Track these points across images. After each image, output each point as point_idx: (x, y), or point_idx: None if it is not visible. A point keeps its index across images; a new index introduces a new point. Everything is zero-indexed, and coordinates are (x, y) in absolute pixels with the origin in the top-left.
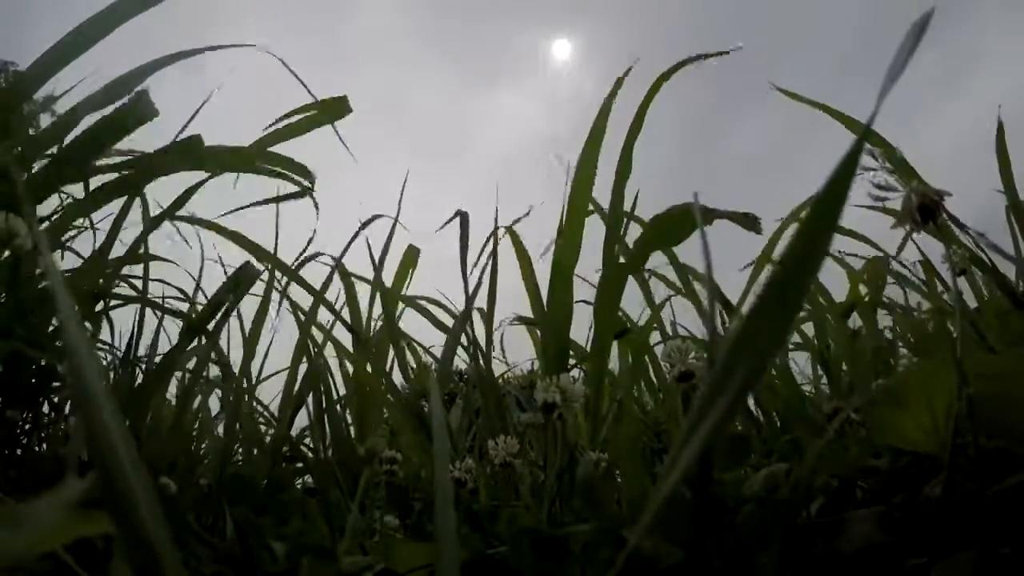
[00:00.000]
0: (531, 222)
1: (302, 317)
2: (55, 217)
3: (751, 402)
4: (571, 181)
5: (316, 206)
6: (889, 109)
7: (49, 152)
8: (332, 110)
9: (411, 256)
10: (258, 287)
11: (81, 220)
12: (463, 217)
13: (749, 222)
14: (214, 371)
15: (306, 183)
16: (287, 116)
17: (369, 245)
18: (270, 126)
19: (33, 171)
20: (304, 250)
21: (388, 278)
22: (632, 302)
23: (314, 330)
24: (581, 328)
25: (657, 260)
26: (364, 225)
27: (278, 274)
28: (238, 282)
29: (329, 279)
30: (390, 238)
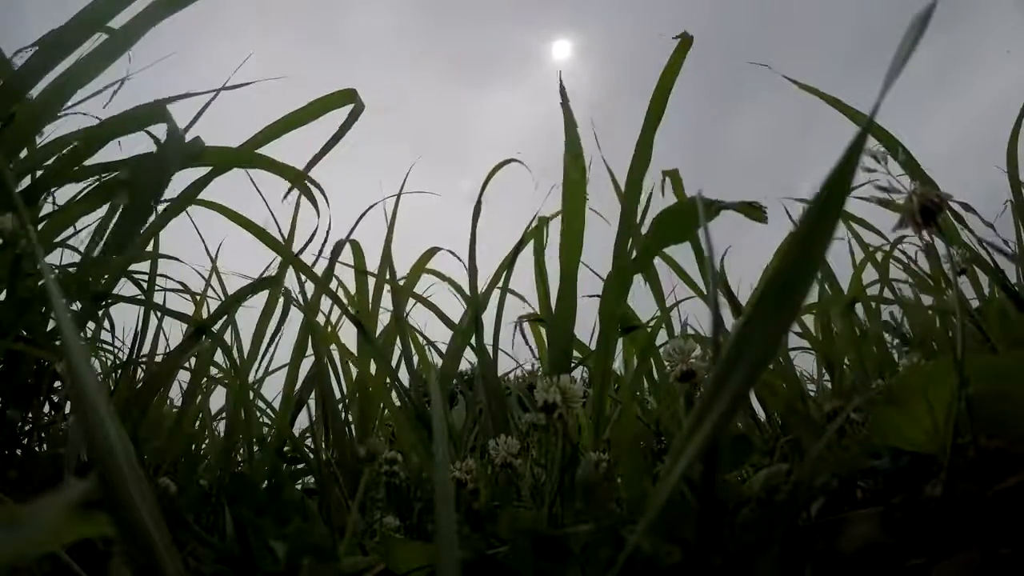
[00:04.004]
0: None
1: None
2: (51, 216)
3: (753, 402)
4: (563, 181)
5: (315, 203)
6: (889, 108)
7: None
8: (342, 100)
9: (427, 256)
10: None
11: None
12: (474, 214)
13: (754, 211)
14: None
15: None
16: (300, 109)
17: (389, 231)
18: (276, 121)
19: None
20: (323, 245)
21: (384, 273)
22: (640, 301)
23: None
24: (587, 327)
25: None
26: (369, 209)
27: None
28: (254, 287)
29: (333, 265)
30: (391, 230)
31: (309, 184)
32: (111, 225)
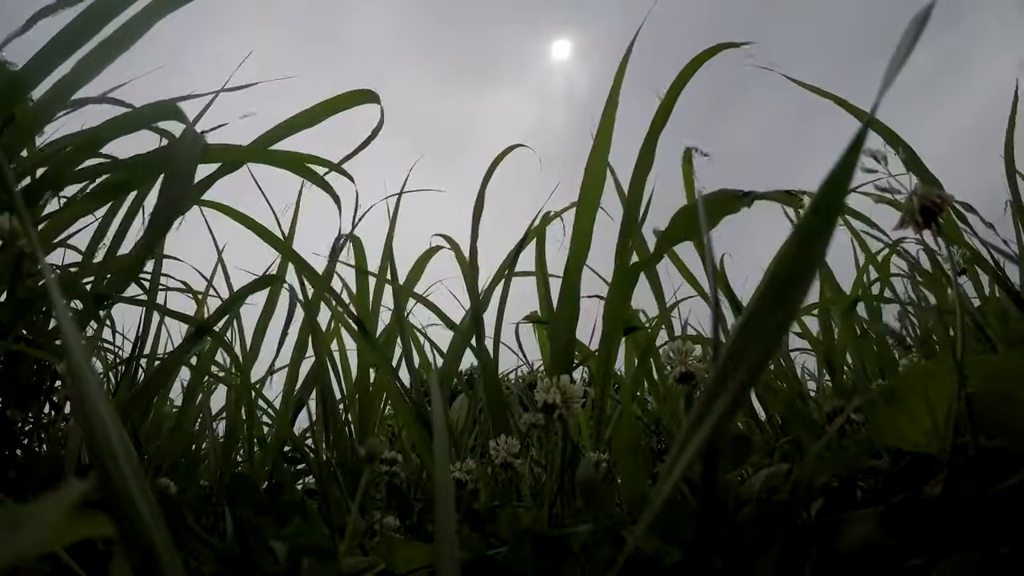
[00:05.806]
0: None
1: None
2: (53, 215)
3: (753, 402)
4: (581, 182)
5: (337, 200)
6: (889, 108)
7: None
8: (360, 99)
9: (428, 254)
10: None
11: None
12: (476, 209)
13: (792, 200)
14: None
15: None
16: (318, 105)
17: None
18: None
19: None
20: (334, 243)
21: (385, 271)
22: (641, 301)
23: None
24: (585, 328)
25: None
26: (370, 208)
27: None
28: (255, 286)
29: (334, 262)
30: (392, 229)
31: (328, 180)
32: (121, 223)
